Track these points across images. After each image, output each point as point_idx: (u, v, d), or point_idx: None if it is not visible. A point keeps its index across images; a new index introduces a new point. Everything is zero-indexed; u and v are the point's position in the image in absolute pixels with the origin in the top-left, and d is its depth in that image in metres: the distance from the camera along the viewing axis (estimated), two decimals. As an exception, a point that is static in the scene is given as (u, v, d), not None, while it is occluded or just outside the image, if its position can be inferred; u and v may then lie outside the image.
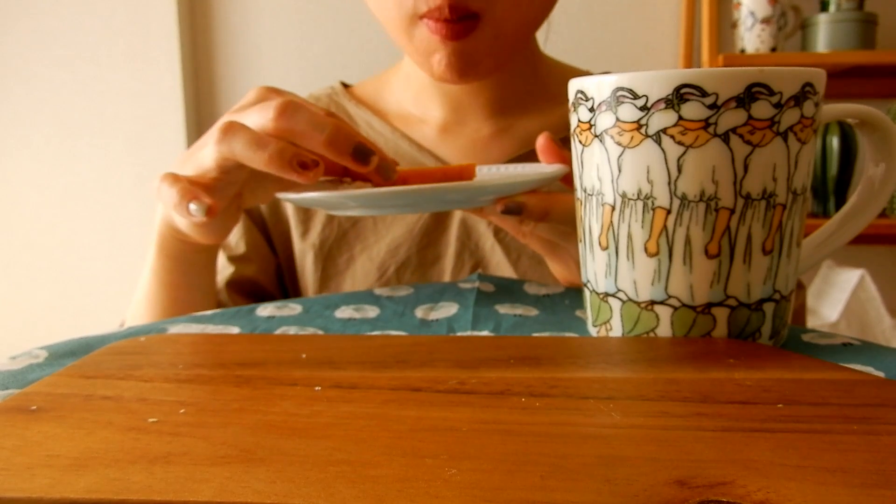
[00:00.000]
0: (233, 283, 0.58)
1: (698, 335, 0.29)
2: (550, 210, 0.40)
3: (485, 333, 0.34)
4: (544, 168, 0.45)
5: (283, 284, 0.62)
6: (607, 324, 0.31)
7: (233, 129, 0.38)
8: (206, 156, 0.39)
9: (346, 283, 0.58)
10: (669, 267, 0.29)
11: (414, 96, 0.62)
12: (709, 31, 1.35)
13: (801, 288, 0.59)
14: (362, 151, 0.38)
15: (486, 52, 0.51)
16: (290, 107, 0.37)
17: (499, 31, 0.50)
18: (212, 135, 0.39)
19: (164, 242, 0.48)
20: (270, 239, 0.62)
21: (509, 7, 0.50)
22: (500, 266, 0.57)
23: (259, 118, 0.38)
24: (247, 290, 0.59)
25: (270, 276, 0.61)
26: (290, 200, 0.41)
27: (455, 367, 0.26)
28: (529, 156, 0.58)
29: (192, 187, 0.38)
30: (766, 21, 1.33)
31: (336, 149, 0.37)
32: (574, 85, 0.31)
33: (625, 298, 0.30)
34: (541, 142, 0.44)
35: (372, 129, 0.63)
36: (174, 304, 0.50)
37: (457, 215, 0.59)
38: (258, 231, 0.61)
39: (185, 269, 0.49)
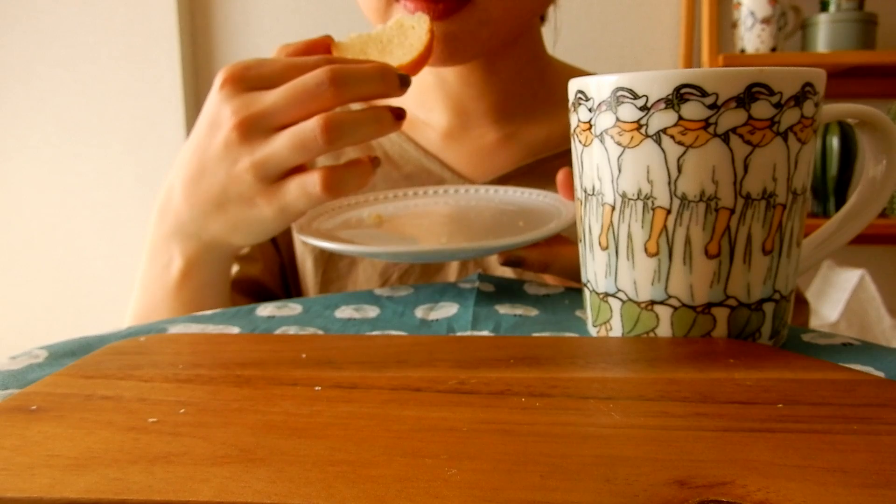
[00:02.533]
0: (237, 283, 0.57)
1: (698, 335, 0.29)
2: (551, 264, 0.41)
3: (485, 333, 0.34)
4: (551, 206, 0.47)
5: (287, 284, 0.62)
6: (607, 324, 0.31)
7: (334, 122, 0.37)
8: (294, 155, 0.38)
9: (348, 289, 0.58)
10: (669, 267, 0.29)
11: (417, 99, 0.61)
12: (709, 31, 1.35)
13: (803, 303, 0.58)
14: (404, 80, 0.40)
15: (470, 35, 0.50)
16: (340, 75, 0.37)
17: (486, 16, 0.49)
18: (293, 135, 0.37)
19: (200, 268, 0.46)
20: (275, 237, 0.61)
21: None
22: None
23: (308, 97, 0.37)
24: (251, 290, 0.58)
25: (275, 276, 0.61)
26: (307, 242, 0.42)
27: (455, 367, 0.26)
28: (537, 165, 0.58)
29: (345, 164, 0.39)
30: (766, 21, 1.33)
31: (392, 89, 0.39)
32: (574, 85, 0.31)
33: (625, 298, 0.30)
34: (561, 177, 0.45)
35: None
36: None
37: None
38: None
39: (220, 289, 0.48)
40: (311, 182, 0.39)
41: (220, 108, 0.39)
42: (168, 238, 0.45)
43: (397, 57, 0.43)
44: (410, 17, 0.45)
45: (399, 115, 0.40)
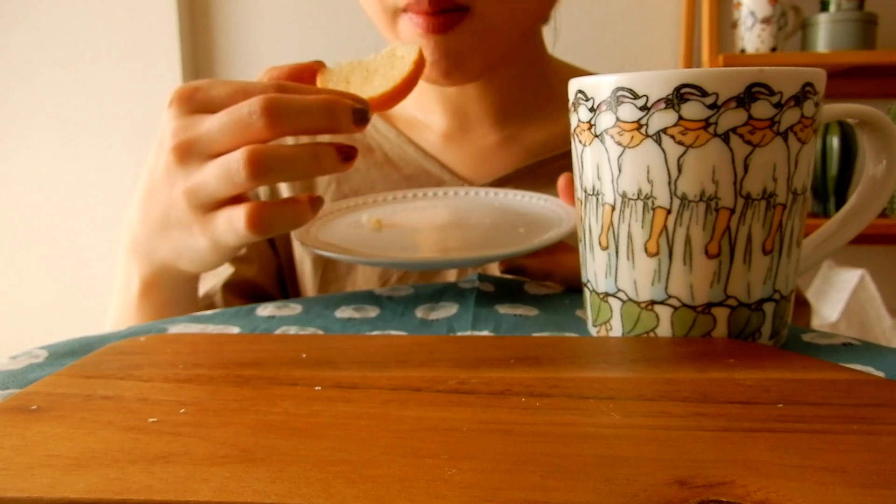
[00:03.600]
0: (231, 285, 0.56)
1: (698, 335, 0.29)
2: (552, 272, 0.41)
3: (485, 333, 0.34)
4: (552, 211, 0.46)
5: (284, 284, 0.62)
6: (607, 324, 0.31)
7: (260, 156, 0.34)
8: (221, 187, 0.36)
9: (347, 290, 0.58)
10: (669, 267, 0.29)
11: (417, 100, 0.61)
12: (709, 31, 1.35)
13: (805, 305, 0.58)
14: (361, 115, 0.36)
15: (472, 49, 0.49)
16: (275, 105, 0.34)
17: (486, 27, 0.49)
18: (219, 165, 0.35)
19: (157, 289, 0.45)
20: (272, 238, 0.61)
21: (498, 1, 0.48)
22: None
23: (240, 126, 0.35)
24: (245, 292, 0.58)
25: (271, 278, 0.60)
26: (308, 246, 0.42)
27: (455, 367, 0.26)
28: (537, 166, 0.58)
29: (277, 202, 0.37)
30: (766, 21, 1.33)
31: (341, 125, 0.36)
32: (574, 85, 0.31)
33: (625, 298, 0.30)
34: (562, 183, 0.45)
35: (377, 132, 0.62)
36: None
37: None
38: None
39: (182, 308, 0.47)
40: (237, 217, 0.36)
41: (165, 128, 0.38)
42: (127, 255, 0.44)
43: (375, 87, 0.41)
44: (404, 46, 0.43)
45: (348, 155, 0.37)
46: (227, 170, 0.35)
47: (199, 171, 0.37)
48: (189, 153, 0.37)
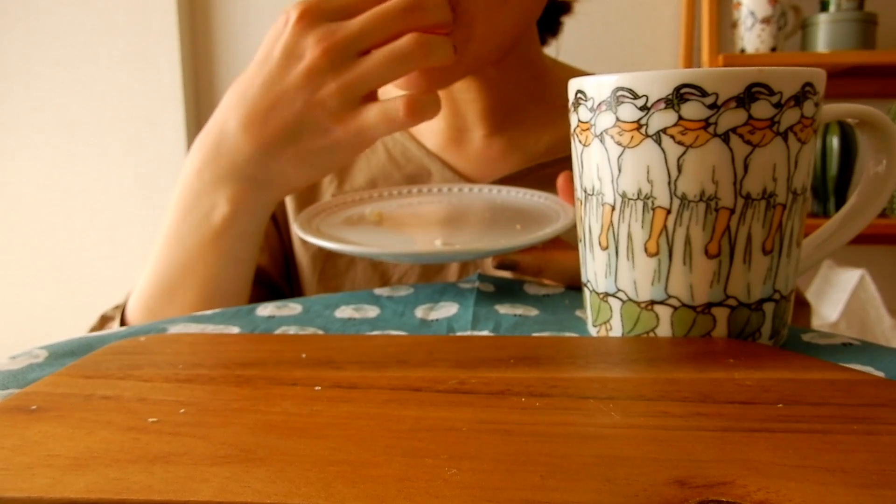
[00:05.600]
0: None
1: (698, 335, 0.29)
2: (544, 269, 0.42)
3: (485, 333, 0.34)
4: (550, 209, 0.47)
5: (290, 275, 0.62)
6: (607, 324, 0.31)
7: (426, 38, 0.40)
8: (391, 72, 0.40)
9: (346, 287, 0.58)
10: (669, 267, 0.29)
11: None
12: (709, 31, 1.35)
13: (805, 305, 0.58)
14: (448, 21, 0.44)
15: (454, 62, 0.48)
16: (420, 0, 0.41)
17: (468, 34, 0.47)
18: (390, 52, 0.40)
19: (244, 215, 0.45)
20: (280, 229, 0.61)
21: (479, 16, 0.46)
22: None
23: (394, 20, 0.40)
24: (255, 280, 0.58)
25: (279, 267, 0.61)
26: (306, 240, 0.42)
27: (455, 367, 0.26)
28: (537, 168, 0.58)
29: (413, 95, 0.41)
30: (766, 21, 1.33)
31: (449, 21, 0.43)
32: (574, 85, 0.31)
33: (625, 298, 0.30)
34: (561, 182, 0.45)
35: None
36: (237, 281, 0.48)
37: None
38: (270, 219, 0.59)
39: (255, 243, 0.48)
40: (393, 107, 0.41)
41: (298, 40, 0.41)
42: (214, 184, 0.45)
43: None
44: None
45: (456, 48, 0.43)
46: (398, 55, 0.40)
47: (357, 66, 0.41)
48: (343, 51, 0.40)
